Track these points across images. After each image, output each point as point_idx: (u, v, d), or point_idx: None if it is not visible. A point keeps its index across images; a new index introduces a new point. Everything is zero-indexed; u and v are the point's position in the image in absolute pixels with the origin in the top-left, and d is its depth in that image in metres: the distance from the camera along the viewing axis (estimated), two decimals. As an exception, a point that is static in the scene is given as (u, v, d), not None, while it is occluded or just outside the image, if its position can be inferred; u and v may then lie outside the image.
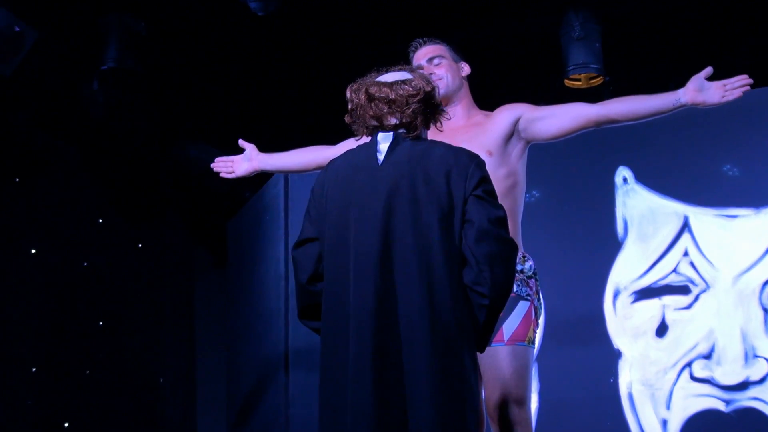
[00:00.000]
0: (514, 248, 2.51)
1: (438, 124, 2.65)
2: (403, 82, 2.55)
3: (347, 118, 2.62)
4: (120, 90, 5.15)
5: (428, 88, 2.56)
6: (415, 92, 2.53)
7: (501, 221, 2.48)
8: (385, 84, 2.55)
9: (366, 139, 2.62)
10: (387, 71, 2.62)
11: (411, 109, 2.53)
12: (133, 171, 5.97)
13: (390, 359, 2.39)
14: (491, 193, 2.51)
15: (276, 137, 4.82)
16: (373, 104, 2.54)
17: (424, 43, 3.23)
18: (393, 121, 2.53)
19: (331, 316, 2.48)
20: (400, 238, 2.43)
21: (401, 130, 2.54)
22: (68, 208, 5.62)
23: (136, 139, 5.72)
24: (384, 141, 2.54)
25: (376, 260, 2.42)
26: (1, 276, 5.21)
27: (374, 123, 2.55)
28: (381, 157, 2.52)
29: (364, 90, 2.56)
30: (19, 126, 5.38)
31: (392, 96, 2.52)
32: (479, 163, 2.52)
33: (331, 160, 2.65)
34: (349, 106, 2.60)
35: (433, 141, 2.60)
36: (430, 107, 2.58)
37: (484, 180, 2.50)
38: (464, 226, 2.45)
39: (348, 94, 2.61)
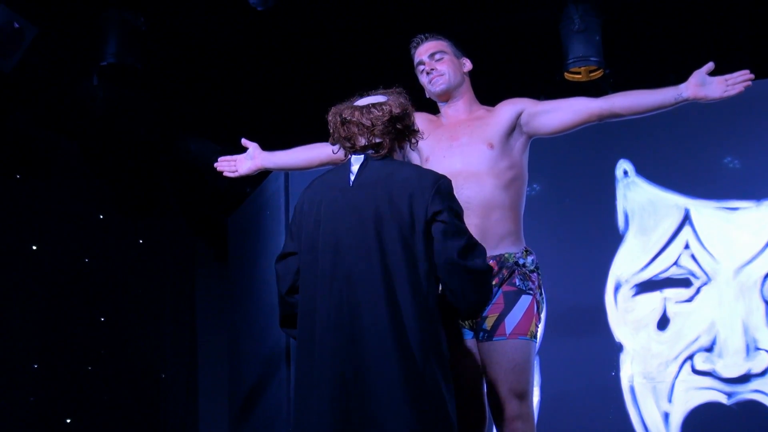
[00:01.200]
0: (485, 275, 2.62)
1: (412, 145, 2.77)
2: (374, 105, 2.69)
3: (330, 140, 2.77)
4: (120, 86, 5.14)
5: (396, 111, 2.69)
6: (382, 115, 2.67)
7: (468, 249, 2.59)
8: (357, 108, 2.71)
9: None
10: (367, 95, 2.76)
11: (378, 130, 2.67)
12: (134, 167, 5.97)
13: (350, 370, 2.49)
14: (456, 214, 2.61)
15: (275, 131, 4.82)
16: (344, 127, 2.70)
17: (426, 38, 3.22)
18: (362, 142, 2.69)
19: (302, 326, 2.62)
20: (365, 256, 2.55)
21: (370, 151, 2.68)
22: (69, 205, 5.62)
23: (137, 135, 5.71)
24: (356, 162, 2.68)
25: (340, 277, 2.55)
26: (2, 272, 5.21)
27: (348, 144, 2.71)
28: (352, 177, 2.66)
29: (339, 114, 2.72)
30: (19, 122, 5.37)
31: (362, 119, 2.68)
32: (442, 185, 2.62)
33: (313, 180, 2.79)
34: (330, 129, 2.76)
35: (402, 163, 2.74)
36: (399, 128, 2.70)
37: (448, 200, 2.60)
38: (434, 255, 2.58)
39: (328, 118, 2.76)
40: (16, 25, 4.56)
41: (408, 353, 2.49)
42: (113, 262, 5.83)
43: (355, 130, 2.68)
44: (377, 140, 2.68)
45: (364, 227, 2.57)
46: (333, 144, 2.77)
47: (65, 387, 5.41)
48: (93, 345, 5.61)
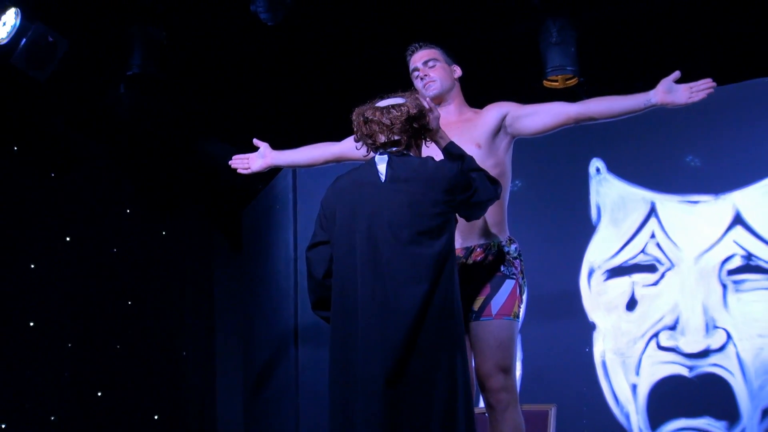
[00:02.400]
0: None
1: (427, 142, 2.77)
2: (393, 106, 2.69)
3: (354, 138, 2.78)
4: (144, 93, 5.13)
5: (413, 111, 2.69)
6: (400, 115, 2.68)
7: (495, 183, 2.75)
8: (377, 108, 2.71)
9: (362, 152, 2.77)
10: (388, 96, 2.76)
11: (396, 129, 2.67)
12: (157, 166, 5.97)
13: (395, 346, 2.48)
14: (481, 175, 2.68)
15: (284, 133, 4.81)
16: (366, 126, 2.70)
17: (421, 47, 3.21)
18: (382, 139, 2.69)
19: (340, 308, 2.60)
20: (404, 243, 2.55)
21: (392, 149, 2.68)
22: (98, 200, 5.62)
23: (159, 138, 5.71)
24: (381, 161, 2.68)
25: (382, 262, 2.54)
26: (39, 261, 5.22)
27: (369, 141, 2.71)
28: (383, 175, 2.65)
29: (361, 114, 2.72)
30: (54, 127, 5.37)
31: (382, 119, 2.68)
32: (464, 167, 2.67)
33: (337, 177, 2.78)
34: (353, 128, 2.76)
35: (423, 158, 2.72)
36: (416, 127, 2.70)
37: (474, 171, 2.65)
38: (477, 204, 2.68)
39: (352, 117, 2.76)
40: (50, 39, 4.55)
41: (437, 329, 2.51)
42: (139, 252, 5.83)
43: (376, 128, 2.67)
44: (396, 137, 2.67)
45: (401, 218, 2.57)
46: (356, 141, 2.77)
47: (97, 363, 5.41)
48: (121, 326, 5.61)
